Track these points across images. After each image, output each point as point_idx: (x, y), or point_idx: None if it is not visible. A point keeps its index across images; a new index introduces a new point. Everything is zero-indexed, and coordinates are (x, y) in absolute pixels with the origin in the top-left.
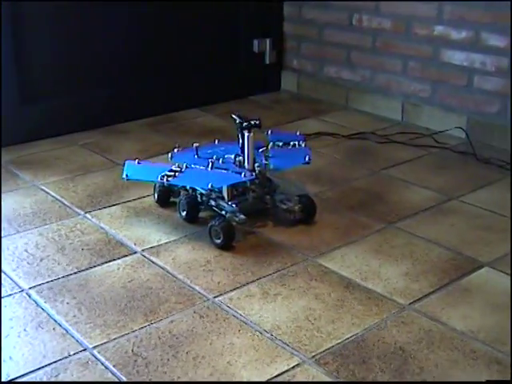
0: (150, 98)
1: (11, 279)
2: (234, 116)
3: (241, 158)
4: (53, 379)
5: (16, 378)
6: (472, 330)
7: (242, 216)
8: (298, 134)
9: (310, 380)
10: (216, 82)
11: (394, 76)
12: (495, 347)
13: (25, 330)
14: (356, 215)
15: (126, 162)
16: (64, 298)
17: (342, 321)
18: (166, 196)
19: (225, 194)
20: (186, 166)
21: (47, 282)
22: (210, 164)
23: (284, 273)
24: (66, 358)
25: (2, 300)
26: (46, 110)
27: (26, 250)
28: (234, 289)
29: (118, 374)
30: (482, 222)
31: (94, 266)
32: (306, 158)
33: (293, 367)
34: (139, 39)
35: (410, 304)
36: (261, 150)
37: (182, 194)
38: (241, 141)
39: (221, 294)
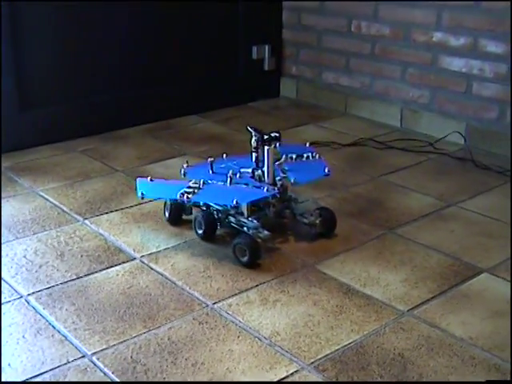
0: (149, 105)
1: (10, 286)
2: (250, 129)
3: (259, 172)
4: None
5: None
6: (471, 337)
7: (266, 232)
8: (307, 145)
9: None
10: (215, 88)
11: (392, 82)
12: (494, 354)
13: (23, 336)
14: (355, 221)
15: (138, 180)
16: (63, 304)
17: (341, 327)
18: (179, 214)
19: (244, 210)
20: (204, 183)
21: (46, 289)
22: (229, 179)
23: (283, 279)
24: (64, 364)
25: (1, 306)
26: (45, 116)
27: (24, 257)
28: (233, 295)
29: (117, 380)
30: (481, 228)
31: (93, 273)
32: (326, 170)
33: (292, 373)
34: (138, 46)
35: (409, 310)
36: (277, 163)
37: (193, 211)
38: (255, 154)
39: (220, 301)
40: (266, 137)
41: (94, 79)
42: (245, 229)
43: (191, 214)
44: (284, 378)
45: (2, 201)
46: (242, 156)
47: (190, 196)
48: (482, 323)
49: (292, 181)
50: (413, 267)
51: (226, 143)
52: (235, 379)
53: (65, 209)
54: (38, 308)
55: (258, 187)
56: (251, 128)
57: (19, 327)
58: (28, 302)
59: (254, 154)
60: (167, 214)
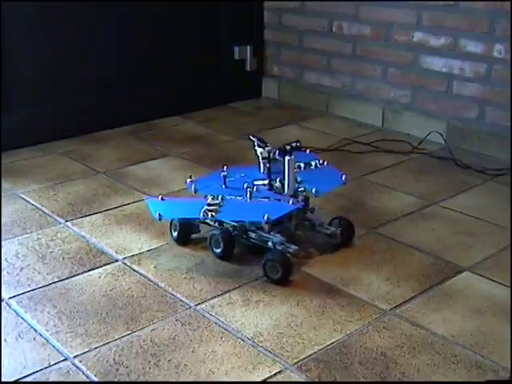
0: (130, 106)
1: None
2: (253, 138)
3: (277, 183)
4: None
5: None
6: (453, 335)
7: (294, 246)
8: (308, 152)
9: None
10: (197, 89)
11: (374, 82)
12: (475, 351)
13: (5, 340)
14: None
15: (148, 200)
16: (44, 307)
17: (324, 327)
18: (188, 233)
19: (264, 225)
20: (223, 199)
21: (27, 292)
22: (249, 193)
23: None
24: (46, 367)
25: None
26: (25, 118)
27: (5, 260)
28: (216, 296)
29: (100, 381)
30: (463, 226)
31: (75, 275)
32: (343, 178)
33: (275, 374)
34: (118, 48)
35: (391, 309)
36: None
37: (204, 228)
38: (265, 165)
39: (203, 302)
40: (287, 147)
41: (73, 81)
42: (269, 244)
43: (199, 232)
44: (267, 379)
45: None
46: (245, 167)
47: (214, 214)
48: (463, 321)
49: (313, 192)
50: (395, 266)
51: (209, 144)
52: (218, 380)
53: (46, 211)
54: (19, 311)
55: (278, 199)
56: (254, 137)
57: (0, 331)
58: (9, 306)
59: (263, 165)
60: (175, 234)
